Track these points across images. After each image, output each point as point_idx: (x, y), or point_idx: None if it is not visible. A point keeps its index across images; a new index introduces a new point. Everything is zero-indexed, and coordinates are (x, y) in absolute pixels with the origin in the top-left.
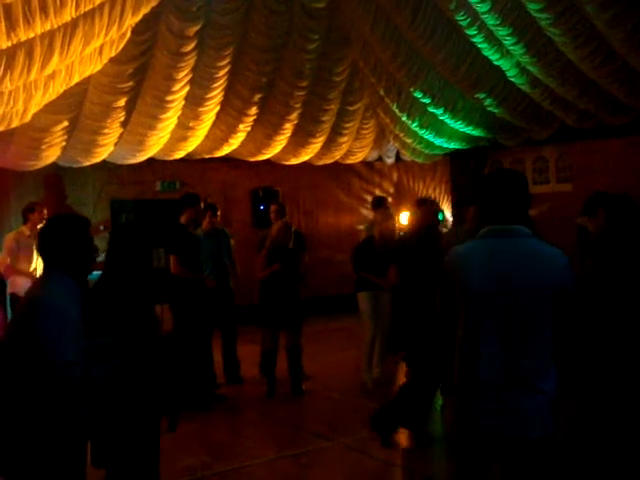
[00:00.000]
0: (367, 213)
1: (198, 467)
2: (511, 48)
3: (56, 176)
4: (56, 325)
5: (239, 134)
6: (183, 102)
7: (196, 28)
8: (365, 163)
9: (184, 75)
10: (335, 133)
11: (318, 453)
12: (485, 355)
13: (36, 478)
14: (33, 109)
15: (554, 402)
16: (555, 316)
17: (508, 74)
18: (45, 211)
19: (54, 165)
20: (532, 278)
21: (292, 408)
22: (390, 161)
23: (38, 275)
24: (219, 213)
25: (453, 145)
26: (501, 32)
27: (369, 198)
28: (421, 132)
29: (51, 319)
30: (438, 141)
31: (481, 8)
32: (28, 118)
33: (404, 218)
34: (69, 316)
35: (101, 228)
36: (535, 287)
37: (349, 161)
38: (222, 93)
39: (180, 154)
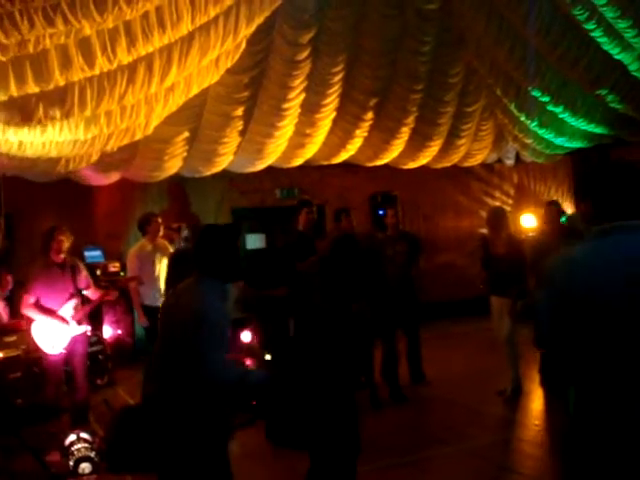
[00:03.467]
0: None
1: None
2: (632, 41)
3: (179, 186)
4: (216, 334)
5: (356, 139)
6: (299, 109)
7: (310, 36)
8: (484, 165)
9: (299, 82)
10: (452, 136)
11: (439, 459)
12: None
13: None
14: (155, 121)
15: None
16: None
17: (630, 68)
18: (160, 220)
19: (177, 175)
20: None
21: (413, 413)
22: (510, 162)
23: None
24: (352, 218)
25: (574, 144)
26: (621, 25)
27: (489, 201)
28: (541, 132)
29: (212, 329)
30: (559, 140)
31: (599, 1)
32: (150, 130)
33: (525, 220)
34: (224, 321)
35: None
36: None
37: (468, 164)
38: (337, 99)
39: (298, 161)
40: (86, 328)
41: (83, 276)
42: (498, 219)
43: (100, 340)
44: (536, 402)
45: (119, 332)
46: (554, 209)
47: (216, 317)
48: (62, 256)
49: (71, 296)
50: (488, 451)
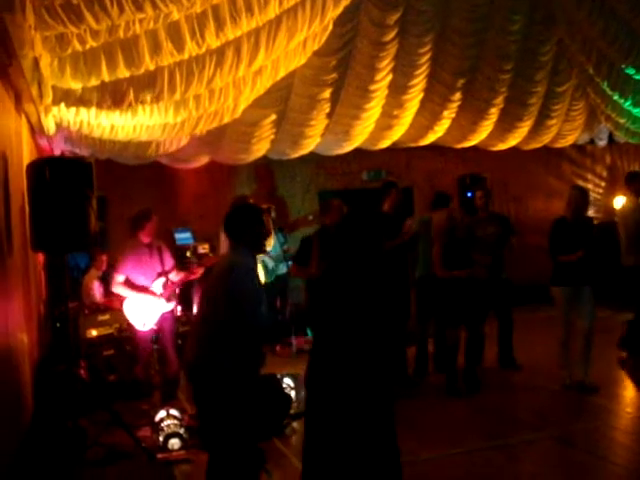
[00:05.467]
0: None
1: (403, 452)
2: None
3: (266, 169)
4: (255, 291)
5: (444, 121)
6: (386, 91)
7: (396, 16)
8: (576, 146)
9: (386, 64)
10: (543, 116)
11: (526, 444)
12: None
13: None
14: (243, 104)
15: None
16: None
17: None
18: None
19: (264, 158)
20: None
21: (501, 398)
22: (602, 143)
23: None
24: (452, 202)
25: None
26: None
27: (581, 183)
28: (635, 111)
29: (248, 278)
30: None
31: None
32: (238, 113)
33: (619, 202)
34: (258, 280)
35: (310, 218)
36: None
37: (559, 145)
38: (425, 80)
39: (385, 143)
40: (174, 305)
41: (169, 257)
42: (583, 199)
43: (190, 320)
44: (629, 389)
45: None
46: None
47: (252, 278)
48: (150, 238)
49: (159, 275)
50: (578, 438)
